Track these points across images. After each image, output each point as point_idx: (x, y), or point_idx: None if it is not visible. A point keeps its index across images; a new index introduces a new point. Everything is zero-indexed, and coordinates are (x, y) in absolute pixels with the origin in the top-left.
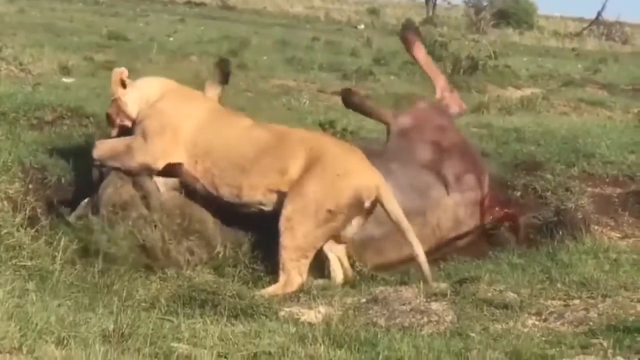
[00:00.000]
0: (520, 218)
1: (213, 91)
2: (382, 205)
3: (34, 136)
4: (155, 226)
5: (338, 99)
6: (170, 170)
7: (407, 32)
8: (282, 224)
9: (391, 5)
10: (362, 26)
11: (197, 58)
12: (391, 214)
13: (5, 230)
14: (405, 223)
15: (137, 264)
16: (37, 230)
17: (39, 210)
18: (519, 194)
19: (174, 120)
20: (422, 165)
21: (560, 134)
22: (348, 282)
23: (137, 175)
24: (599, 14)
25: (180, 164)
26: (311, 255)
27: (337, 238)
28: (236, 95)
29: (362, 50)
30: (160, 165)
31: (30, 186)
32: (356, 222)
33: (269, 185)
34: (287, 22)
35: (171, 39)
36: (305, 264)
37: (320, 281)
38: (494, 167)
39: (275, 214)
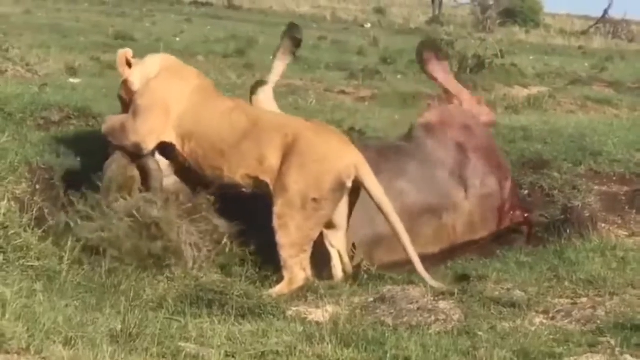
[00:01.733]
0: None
1: (283, 63)
2: (362, 184)
3: (40, 136)
4: (156, 204)
5: (345, 98)
6: (166, 150)
7: (425, 48)
8: (275, 222)
9: (398, 4)
10: (369, 25)
11: (204, 58)
12: (370, 192)
13: (12, 231)
14: (386, 202)
15: (139, 251)
16: (44, 231)
17: (46, 211)
18: (526, 192)
19: (164, 99)
20: (443, 166)
21: (567, 132)
22: (347, 277)
23: (139, 155)
24: (605, 12)
25: (173, 145)
26: (309, 247)
27: (331, 224)
28: (243, 95)
29: (368, 49)
30: (149, 143)
31: (38, 186)
32: (344, 203)
33: (247, 171)
34: (294, 21)
35: (178, 39)
36: (305, 257)
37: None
38: None
39: (255, 196)
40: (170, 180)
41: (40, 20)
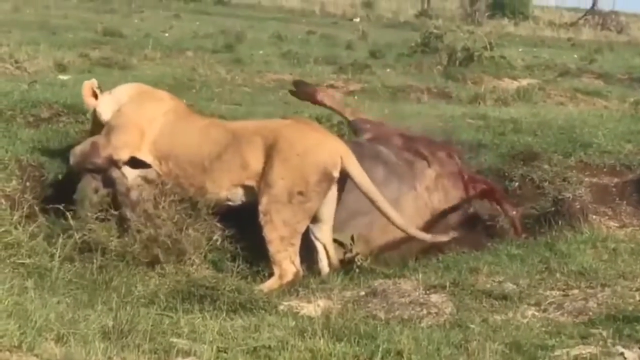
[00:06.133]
0: (517, 208)
1: None
2: (348, 173)
3: (30, 134)
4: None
5: (333, 93)
6: (137, 164)
7: (299, 88)
8: (261, 218)
9: None
10: (358, 19)
11: (193, 53)
12: (357, 181)
13: (3, 228)
14: (373, 191)
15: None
16: (35, 228)
17: (36, 208)
18: (516, 184)
19: (137, 120)
20: (399, 148)
21: (557, 124)
22: (332, 270)
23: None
24: (594, 3)
25: (148, 164)
26: (297, 241)
27: (316, 218)
28: (233, 90)
29: (357, 43)
30: (122, 155)
31: (28, 184)
32: (331, 195)
33: (232, 180)
34: (283, 16)
35: (166, 34)
36: (294, 251)
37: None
38: (491, 158)
39: (244, 208)
40: (141, 189)
41: (28, 17)
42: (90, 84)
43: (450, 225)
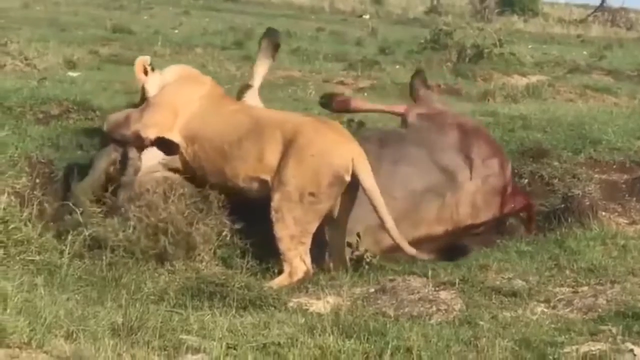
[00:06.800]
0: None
1: (264, 66)
2: (357, 177)
3: (40, 130)
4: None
5: (344, 89)
6: (164, 148)
7: (332, 101)
8: (273, 215)
9: None
10: (367, 16)
11: (202, 50)
12: (364, 185)
13: (13, 225)
14: (378, 198)
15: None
16: (44, 225)
17: (46, 205)
18: (526, 181)
19: (174, 100)
20: (448, 146)
21: (566, 120)
22: (342, 269)
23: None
24: (603, 0)
25: (177, 145)
26: (307, 239)
27: (330, 218)
28: None
29: (367, 40)
30: (150, 134)
31: (37, 180)
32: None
33: (248, 171)
34: (292, 12)
35: (176, 31)
36: (304, 249)
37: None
38: None
39: (259, 201)
40: (158, 175)
41: (38, 14)
42: (143, 60)
43: (471, 235)
